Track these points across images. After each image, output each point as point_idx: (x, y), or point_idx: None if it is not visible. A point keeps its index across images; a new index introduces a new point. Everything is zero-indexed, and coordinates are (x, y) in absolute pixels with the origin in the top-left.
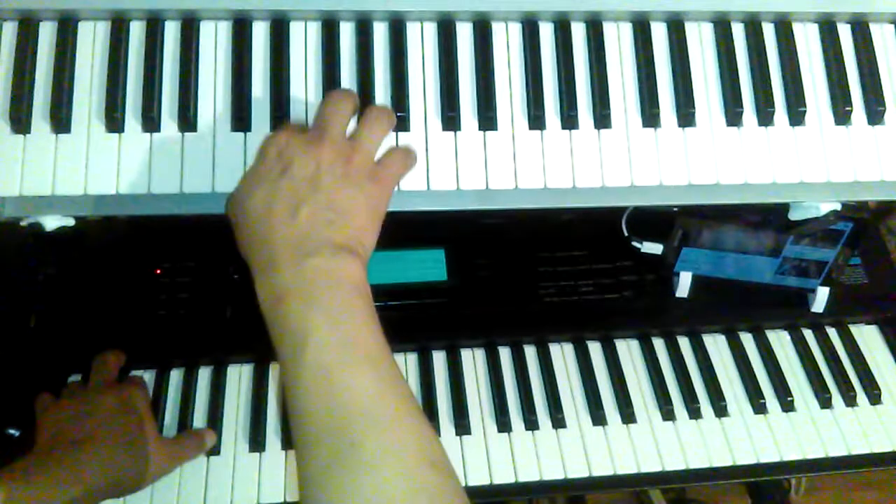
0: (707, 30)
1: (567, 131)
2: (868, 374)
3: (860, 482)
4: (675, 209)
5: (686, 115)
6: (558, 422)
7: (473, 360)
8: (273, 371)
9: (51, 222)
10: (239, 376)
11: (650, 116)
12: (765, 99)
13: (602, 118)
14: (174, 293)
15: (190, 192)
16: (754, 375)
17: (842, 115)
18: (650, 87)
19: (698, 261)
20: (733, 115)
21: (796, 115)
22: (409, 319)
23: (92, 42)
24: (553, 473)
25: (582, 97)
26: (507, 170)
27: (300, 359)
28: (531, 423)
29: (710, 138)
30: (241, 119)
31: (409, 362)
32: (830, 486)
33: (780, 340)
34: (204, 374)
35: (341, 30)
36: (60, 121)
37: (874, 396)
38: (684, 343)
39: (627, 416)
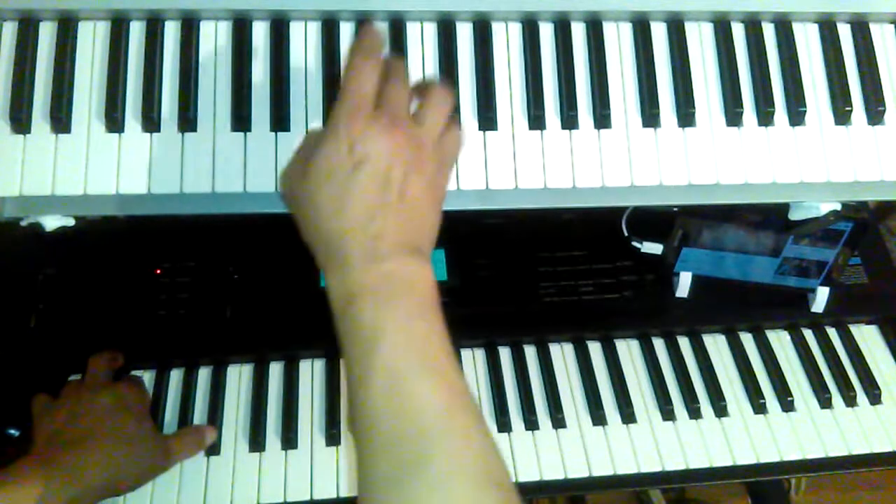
0: (707, 30)
1: (567, 131)
2: (868, 374)
3: (860, 482)
4: (675, 209)
5: (686, 115)
6: (558, 422)
7: (473, 360)
8: (273, 371)
9: (51, 222)
10: (239, 376)
11: (650, 116)
12: (765, 99)
13: (602, 118)
14: (174, 293)
15: (190, 192)
16: (754, 375)
17: (842, 115)
18: (650, 87)
19: (698, 261)
20: (733, 115)
21: (796, 115)
22: None
23: (92, 42)
24: (553, 473)
25: (582, 97)
26: (507, 170)
27: (370, 361)
28: (531, 423)
29: (710, 138)
30: (241, 119)
31: None
32: (830, 486)
33: (780, 340)
34: (204, 374)
35: (341, 30)
36: (60, 121)
37: (874, 396)
38: (684, 343)
39: (627, 416)
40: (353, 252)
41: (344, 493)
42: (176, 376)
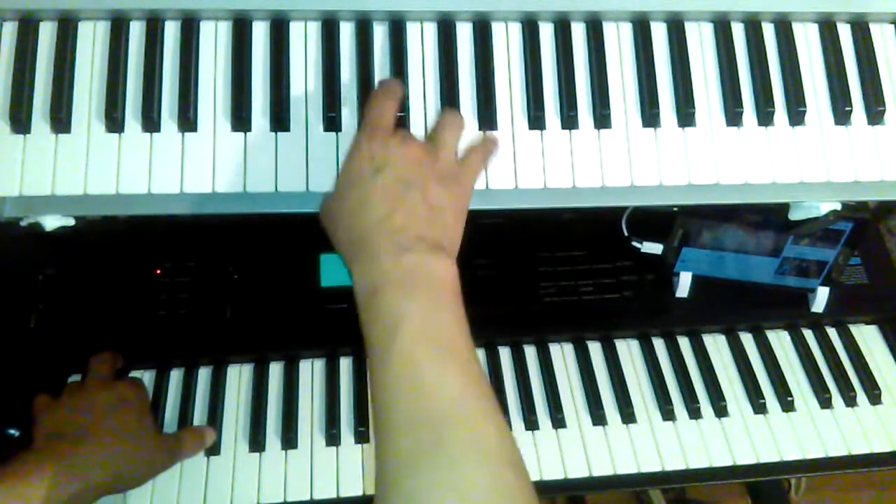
0: (707, 30)
1: (567, 131)
2: (868, 374)
3: (860, 482)
4: (675, 209)
5: (686, 115)
6: (558, 422)
7: None
8: (273, 371)
9: (51, 222)
10: (239, 376)
11: (650, 116)
12: (765, 99)
13: (602, 118)
14: (174, 293)
15: (190, 192)
16: (754, 375)
17: (842, 115)
18: (650, 87)
19: (698, 261)
20: (733, 115)
21: (796, 115)
22: None
23: (92, 42)
24: (553, 473)
25: (582, 97)
26: (506, 170)
27: (391, 346)
28: (531, 423)
29: (710, 138)
30: (241, 119)
31: None
32: (830, 486)
33: (780, 340)
34: (204, 374)
35: (341, 30)
36: (60, 121)
37: (874, 396)
38: (684, 343)
39: (627, 416)
40: (378, 245)
41: (344, 493)
42: (176, 376)
